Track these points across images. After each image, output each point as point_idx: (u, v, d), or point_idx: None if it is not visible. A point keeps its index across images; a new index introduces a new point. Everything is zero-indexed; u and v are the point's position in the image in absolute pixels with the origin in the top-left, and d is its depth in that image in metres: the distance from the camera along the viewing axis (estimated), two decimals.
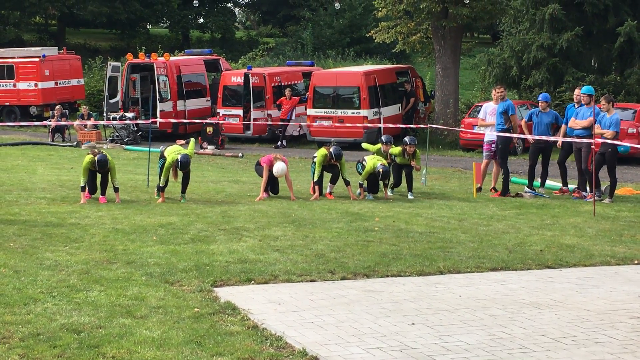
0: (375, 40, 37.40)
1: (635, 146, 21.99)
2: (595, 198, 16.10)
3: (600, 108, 17.13)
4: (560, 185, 18.57)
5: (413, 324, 8.04)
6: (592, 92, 17.65)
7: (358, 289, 9.41)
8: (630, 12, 34.21)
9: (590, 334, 7.84)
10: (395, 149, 17.71)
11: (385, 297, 9.09)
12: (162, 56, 33.46)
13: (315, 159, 17.13)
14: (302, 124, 30.23)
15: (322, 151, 16.96)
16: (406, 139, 17.71)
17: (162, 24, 64.37)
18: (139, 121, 29.99)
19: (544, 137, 17.75)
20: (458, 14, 31.90)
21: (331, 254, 11.10)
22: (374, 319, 8.18)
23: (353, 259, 10.84)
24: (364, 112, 29.36)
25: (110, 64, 33.73)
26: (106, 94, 32.79)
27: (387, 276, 10.09)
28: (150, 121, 21.88)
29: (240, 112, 30.93)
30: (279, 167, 16.19)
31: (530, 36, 34.46)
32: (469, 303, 8.89)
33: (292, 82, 33.17)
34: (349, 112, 29.45)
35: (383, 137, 18.41)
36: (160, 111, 30.52)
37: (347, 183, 17.04)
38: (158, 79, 31.68)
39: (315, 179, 16.95)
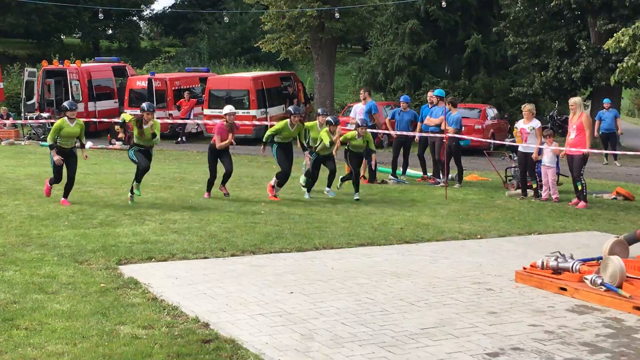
0: (263, 50, 37.42)
1: (479, 140, 22.62)
2: (444, 183, 16.47)
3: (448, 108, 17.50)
4: (420, 173, 18.91)
5: (292, 292, 8.07)
6: (442, 94, 18.04)
7: (245, 264, 9.38)
8: (476, 27, 35.16)
9: (440, 297, 8.02)
10: (349, 133, 15.89)
11: (269, 270, 9.08)
12: (74, 63, 32.57)
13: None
14: (199, 122, 30.01)
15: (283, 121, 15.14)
16: (358, 121, 16.14)
17: (74, 35, 62.44)
18: (53, 120, 29.12)
19: (405, 133, 18.05)
20: (333, 28, 32.19)
21: (223, 235, 11.03)
22: (258, 290, 8.17)
23: (242, 238, 10.80)
24: (252, 112, 29.42)
25: (27, 70, 32.79)
26: (23, 96, 31.77)
27: (271, 252, 10.09)
28: None
29: None
30: (227, 107, 15.12)
31: (394, 47, 35.02)
32: (339, 274, 8.97)
33: (190, 86, 32.83)
34: (240, 112, 29.16)
35: (330, 118, 15.53)
36: None
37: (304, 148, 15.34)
38: (70, 83, 30.91)
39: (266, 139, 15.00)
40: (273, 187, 14.96)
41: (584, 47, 29.70)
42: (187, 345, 6.25)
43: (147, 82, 31.06)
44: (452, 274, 9.07)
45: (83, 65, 33.05)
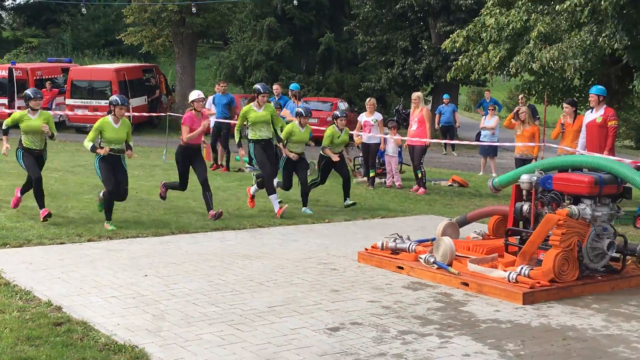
0: (125, 43, 36.41)
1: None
2: None
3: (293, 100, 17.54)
4: None
5: (146, 275, 7.91)
6: (297, 88, 18.12)
7: (101, 249, 9.12)
8: (329, 26, 35.61)
9: (287, 277, 8.06)
10: (328, 130, 13.02)
11: (125, 254, 8.87)
12: None
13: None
14: (60, 112, 28.97)
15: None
16: (336, 112, 13.47)
17: None
18: None
19: None
20: (193, 22, 31.75)
21: (80, 221, 10.71)
22: (113, 273, 7.96)
23: (99, 224, 10.48)
24: None
25: None
26: None
27: (128, 237, 9.86)
28: None
29: (5, 101, 29.03)
30: (195, 92, 11.52)
31: (253, 43, 34.96)
32: (193, 257, 8.87)
33: (53, 76, 31.56)
34: (102, 102, 28.45)
35: (301, 109, 12.66)
36: None
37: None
38: None
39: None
40: (253, 196, 12.31)
41: (426, 47, 30.65)
42: (38, 329, 6.00)
43: (7, 71, 29.62)
44: (300, 256, 9.14)
45: None
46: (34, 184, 10.55)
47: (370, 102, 16.22)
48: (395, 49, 31.84)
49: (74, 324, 6.16)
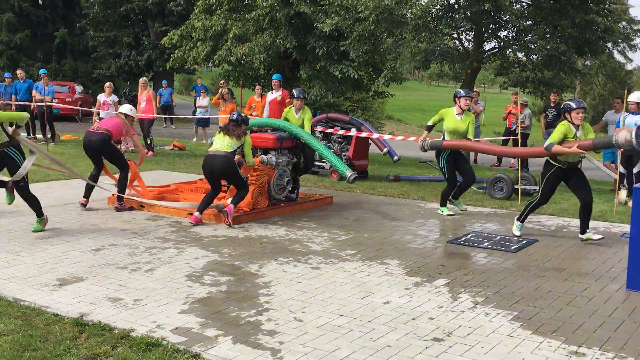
0: None
1: (71, 107, 21.89)
2: (44, 141, 15.91)
3: (44, 83, 16.68)
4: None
5: None
6: (45, 72, 17.16)
7: None
8: (62, 22, 33.53)
9: (53, 218, 8.00)
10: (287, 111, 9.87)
11: None
12: None
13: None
14: None
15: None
16: (295, 91, 9.95)
17: None
18: None
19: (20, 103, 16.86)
20: None
21: None
22: None
23: None
24: None
25: None
26: None
27: None
28: None
29: None
30: (126, 107, 9.08)
31: None
32: None
33: None
34: None
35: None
36: None
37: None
38: None
39: None
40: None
41: (147, 42, 30.33)
42: None
43: None
44: (60, 203, 9.11)
45: None
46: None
47: (108, 85, 16.01)
48: (122, 43, 31.09)
49: None
